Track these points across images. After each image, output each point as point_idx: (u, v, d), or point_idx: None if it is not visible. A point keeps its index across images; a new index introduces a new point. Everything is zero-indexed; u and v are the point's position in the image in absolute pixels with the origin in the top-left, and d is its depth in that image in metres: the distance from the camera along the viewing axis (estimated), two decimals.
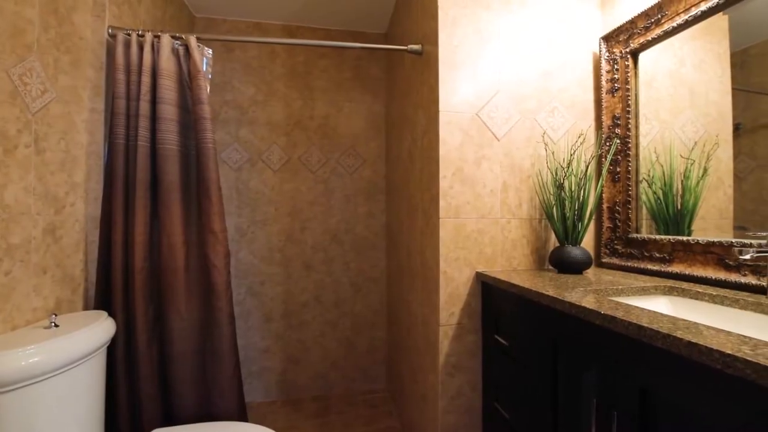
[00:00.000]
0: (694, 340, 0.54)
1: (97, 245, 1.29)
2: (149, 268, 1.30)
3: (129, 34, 1.31)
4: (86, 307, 1.27)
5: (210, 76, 1.47)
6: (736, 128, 1.01)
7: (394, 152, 2.02)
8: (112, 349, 1.22)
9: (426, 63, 1.41)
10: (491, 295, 1.21)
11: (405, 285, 1.77)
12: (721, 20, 1.05)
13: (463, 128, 1.27)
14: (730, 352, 0.49)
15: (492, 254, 1.29)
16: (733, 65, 1.02)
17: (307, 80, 2.18)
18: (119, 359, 1.24)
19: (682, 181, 1.14)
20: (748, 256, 0.77)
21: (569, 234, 1.21)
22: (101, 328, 1.08)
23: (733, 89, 1.03)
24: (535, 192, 1.33)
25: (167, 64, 1.34)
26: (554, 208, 1.23)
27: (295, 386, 2.17)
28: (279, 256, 2.14)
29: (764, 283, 0.86)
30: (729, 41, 1.03)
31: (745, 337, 0.55)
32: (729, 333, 0.57)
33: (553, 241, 1.34)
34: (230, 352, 1.37)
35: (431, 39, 1.34)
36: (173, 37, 1.37)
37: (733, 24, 1.02)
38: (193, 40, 1.37)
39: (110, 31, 1.31)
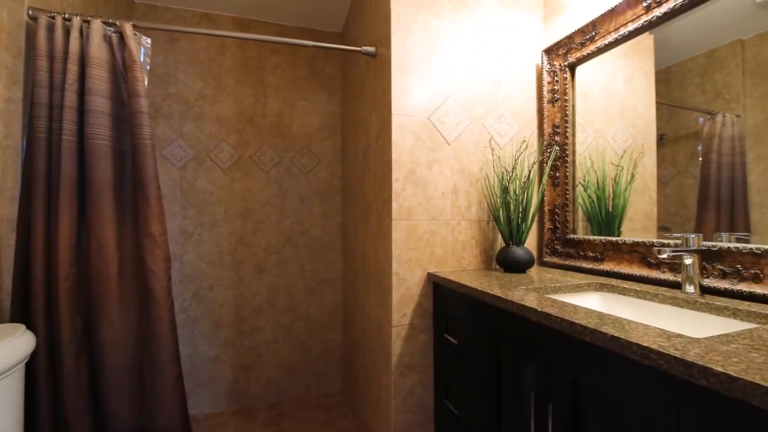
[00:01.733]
0: (616, 335, 0.58)
1: (13, 250, 1.15)
2: (76, 275, 1.18)
3: (53, 17, 1.18)
4: None
5: (149, 67, 1.37)
6: (660, 138, 1.12)
7: (349, 153, 2.01)
8: (31, 366, 1.09)
9: (380, 65, 1.42)
10: (442, 296, 1.24)
11: (360, 286, 1.77)
12: (647, 40, 1.15)
13: (415, 132, 1.29)
14: (646, 344, 0.54)
15: (443, 255, 1.32)
16: (658, 81, 1.13)
17: (260, 76, 2.10)
18: (41, 378, 1.12)
19: (613, 186, 1.24)
20: (665, 255, 0.85)
21: (514, 235, 1.27)
22: (17, 343, 0.97)
23: (657, 103, 1.13)
24: (483, 195, 1.38)
25: (98, 52, 1.23)
26: (500, 210, 1.29)
27: (246, 395, 2.08)
28: (229, 260, 2.05)
29: (679, 279, 0.95)
30: (654, 59, 1.14)
31: (660, 329, 0.61)
32: (647, 326, 0.63)
33: (500, 242, 1.40)
34: (171, 362, 1.28)
35: (384, 42, 1.35)
36: (106, 23, 1.26)
37: (657, 44, 1.12)
38: (128, 28, 1.27)
39: (30, 12, 1.17)
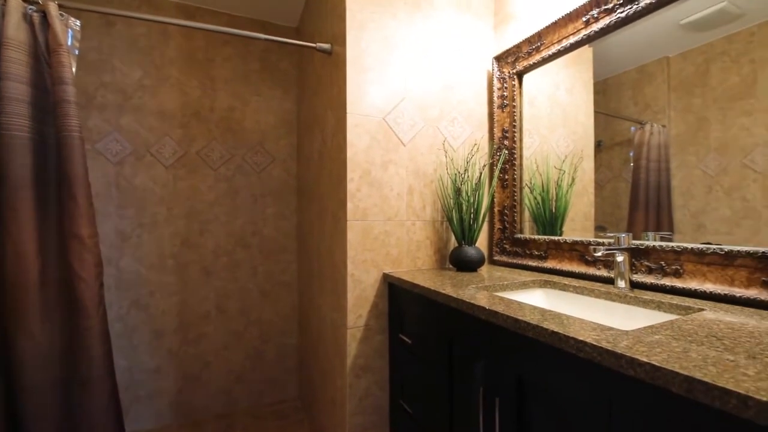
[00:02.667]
0: (556, 330, 0.62)
1: None
2: None
3: None
4: None
5: (77, 52, 1.24)
6: (598, 145, 1.21)
7: (305, 152, 1.96)
8: None
9: (335, 63, 1.40)
10: (397, 296, 1.25)
11: (316, 288, 1.73)
12: (587, 53, 1.24)
13: (371, 132, 1.29)
14: (581, 338, 0.57)
15: (398, 255, 1.33)
16: (596, 92, 1.21)
17: (208, 68, 1.99)
18: None
19: (556, 188, 1.32)
20: (599, 254, 0.92)
21: (466, 235, 1.31)
22: None
23: (596, 112, 1.22)
24: (438, 196, 1.41)
25: (16, 32, 1.09)
26: (453, 211, 1.32)
27: (193, 407, 1.96)
28: (172, 263, 1.91)
29: (613, 275, 1.03)
30: (593, 71, 1.23)
31: (595, 324, 0.65)
32: (583, 321, 0.67)
33: (453, 242, 1.43)
34: (104, 378, 1.17)
35: (340, 40, 1.33)
36: (26, 0, 1.13)
37: (596, 57, 1.21)
38: (53, 7, 1.14)
39: None
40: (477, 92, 1.51)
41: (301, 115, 2.09)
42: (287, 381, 2.17)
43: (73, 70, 1.17)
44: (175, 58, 1.93)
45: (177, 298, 1.92)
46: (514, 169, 1.41)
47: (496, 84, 1.47)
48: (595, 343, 0.55)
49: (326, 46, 1.45)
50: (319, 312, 1.66)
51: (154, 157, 1.88)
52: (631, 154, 1.10)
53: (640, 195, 1.08)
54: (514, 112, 1.42)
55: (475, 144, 1.46)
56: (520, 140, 1.42)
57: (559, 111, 1.35)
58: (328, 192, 1.48)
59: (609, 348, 0.53)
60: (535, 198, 1.39)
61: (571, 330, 0.61)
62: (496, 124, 1.47)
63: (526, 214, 1.41)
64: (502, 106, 1.46)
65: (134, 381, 1.84)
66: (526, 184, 1.41)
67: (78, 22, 1.23)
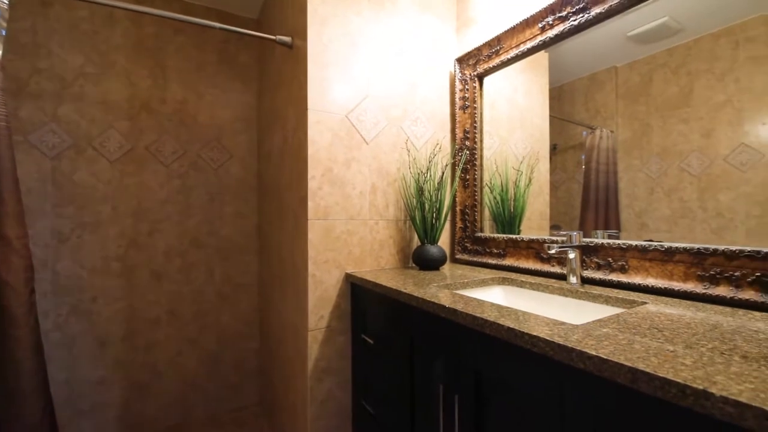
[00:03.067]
0: (512, 326, 0.63)
1: None
2: None
3: None
4: None
5: (4, 32, 1.11)
6: (554, 148, 1.25)
7: (266, 148, 1.89)
8: None
9: (296, 58, 1.36)
10: (359, 296, 1.23)
11: (276, 290, 1.67)
12: (543, 59, 1.28)
13: (333, 129, 1.26)
14: (535, 333, 0.59)
15: (361, 255, 1.31)
16: (552, 97, 1.26)
17: (159, 57, 1.86)
18: None
19: (514, 188, 1.36)
20: (553, 251, 0.95)
21: (428, 234, 1.31)
22: None
23: (551, 116, 1.27)
24: (401, 195, 1.41)
25: None
26: (416, 210, 1.32)
27: (142, 419, 1.83)
28: (118, 266, 1.77)
29: (565, 272, 1.08)
30: (549, 77, 1.27)
31: (549, 319, 0.67)
32: (538, 317, 0.69)
33: (416, 241, 1.44)
34: (36, 392, 1.06)
35: (301, 34, 1.29)
36: None
37: (552, 64, 1.26)
38: None
39: None
40: (440, 93, 1.52)
41: (261, 110, 2.01)
42: (247, 387, 2.09)
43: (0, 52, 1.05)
44: (122, 45, 1.79)
45: (123, 303, 1.79)
46: (475, 170, 1.44)
47: (458, 85, 1.50)
48: (548, 338, 0.56)
49: (287, 39, 1.40)
50: (279, 314, 1.60)
51: (96, 151, 1.73)
52: (583, 157, 1.16)
53: (591, 196, 1.14)
54: (475, 113, 1.44)
55: (438, 144, 1.48)
56: (481, 141, 1.45)
57: (517, 113, 1.39)
58: (289, 190, 1.43)
59: (561, 342, 0.55)
60: (495, 198, 1.43)
61: (526, 326, 0.63)
62: (458, 125, 1.50)
63: (487, 213, 1.45)
64: (463, 107, 1.48)
65: (74, 394, 1.69)
66: (487, 184, 1.44)
67: (6, 1, 1.10)
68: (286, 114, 1.49)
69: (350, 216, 1.29)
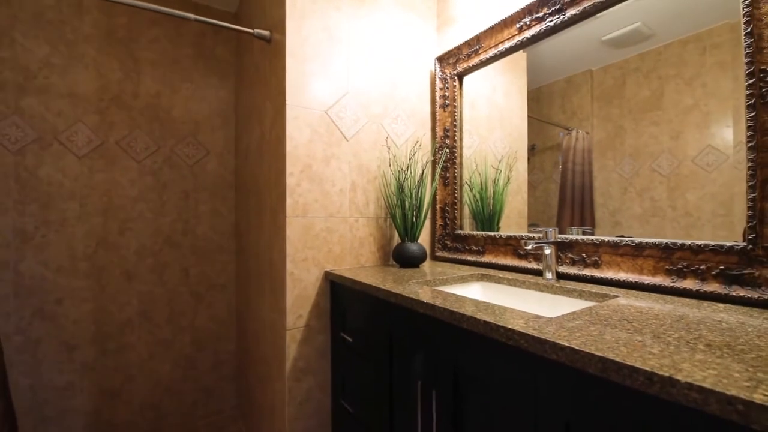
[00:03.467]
0: (488, 320, 0.63)
1: None
2: None
3: None
4: None
5: None
6: (532, 149, 1.27)
7: (243, 145, 1.85)
8: None
9: (275, 52, 1.33)
10: (339, 294, 1.22)
11: (254, 290, 1.64)
12: (521, 60, 1.30)
13: (312, 125, 1.24)
14: (510, 326, 0.59)
15: (341, 252, 1.30)
16: (531, 99, 1.28)
17: (131, 49, 1.79)
18: None
19: (493, 187, 1.38)
20: (530, 247, 0.97)
21: (408, 231, 1.31)
22: None
23: (529, 117, 1.29)
24: (381, 192, 1.40)
25: None
26: (396, 207, 1.32)
27: (113, 426, 1.75)
28: (86, 266, 1.70)
29: (542, 267, 1.10)
30: (527, 78, 1.29)
31: (524, 312, 0.68)
32: (514, 311, 0.69)
33: (396, 238, 1.44)
34: None
35: (280, 27, 1.26)
36: None
37: (530, 66, 1.28)
38: None
39: None
40: (420, 91, 1.53)
41: (239, 106, 1.97)
42: (224, 390, 2.03)
43: None
44: (92, 35, 1.71)
45: (92, 305, 1.71)
46: (455, 168, 1.45)
47: (438, 84, 1.50)
48: (522, 331, 0.57)
49: (265, 32, 1.37)
50: (257, 314, 1.57)
51: (63, 146, 1.65)
52: (560, 158, 1.18)
53: (567, 195, 1.16)
54: (455, 112, 1.45)
55: (418, 141, 1.48)
56: (461, 139, 1.46)
57: (496, 113, 1.41)
58: (267, 187, 1.40)
59: (534, 334, 0.55)
60: (475, 196, 1.44)
61: (502, 319, 0.63)
62: (438, 123, 1.50)
63: (466, 211, 1.46)
64: (443, 106, 1.49)
65: (38, 401, 1.61)
66: (466, 182, 1.46)
67: None
68: (263, 109, 1.46)
69: (330, 213, 1.28)
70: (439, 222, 1.50)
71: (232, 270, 2.06)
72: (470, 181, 1.45)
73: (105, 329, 1.74)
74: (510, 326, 0.59)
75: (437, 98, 1.51)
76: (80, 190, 1.69)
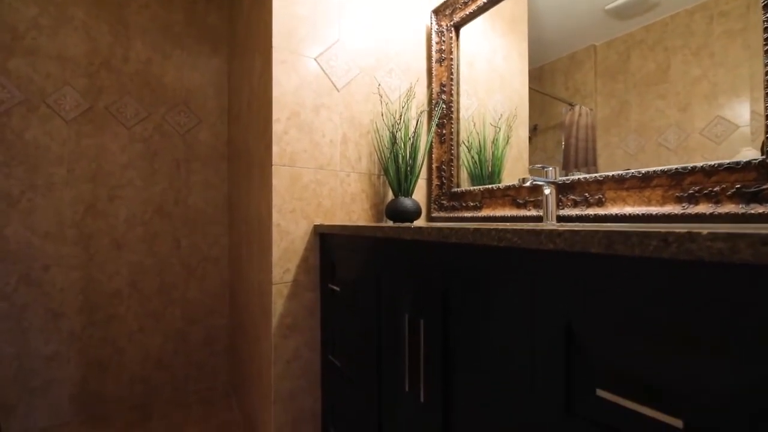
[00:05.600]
0: (477, 226, 0.57)
1: None
2: None
3: None
4: None
5: None
6: (534, 129, 1.21)
7: (235, 110, 1.80)
8: None
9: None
10: (328, 247, 1.16)
11: (244, 256, 1.58)
12: (522, 23, 1.24)
13: (300, 71, 1.19)
14: (502, 227, 0.53)
15: (331, 207, 1.24)
16: (533, 78, 1.22)
17: (121, 13, 1.75)
18: None
19: (492, 148, 1.31)
20: (528, 183, 0.90)
21: (402, 186, 1.25)
22: None
23: (530, 89, 1.23)
24: (374, 147, 1.34)
25: None
26: (390, 161, 1.26)
27: (101, 398, 1.71)
28: (74, 233, 1.65)
29: (542, 214, 1.03)
30: (527, 45, 1.23)
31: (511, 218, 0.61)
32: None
33: (390, 196, 1.37)
34: None
35: None
36: None
37: (532, 43, 1.21)
38: None
39: None
40: (415, 47, 1.47)
41: (232, 77, 1.92)
42: (217, 366, 1.98)
43: None
44: None
45: (80, 273, 1.67)
46: (452, 123, 1.39)
47: (435, 38, 1.44)
48: (515, 228, 0.51)
49: None
50: (247, 281, 1.51)
51: (51, 109, 1.61)
52: (563, 134, 1.12)
53: (570, 163, 1.10)
54: (452, 65, 1.39)
55: (412, 92, 1.41)
56: (458, 94, 1.40)
57: (496, 76, 1.35)
58: (256, 141, 1.35)
59: (529, 228, 0.49)
60: (473, 157, 1.37)
61: (492, 226, 0.57)
62: (434, 79, 1.44)
63: (464, 174, 1.39)
64: (440, 60, 1.43)
65: (24, 370, 1.56)
66: (464, 143, 1.39)
67: None
68: (253, 65, 1.41)
69: (319, 165, 1.22)
70: (435, 182, 1.44)
71: (225, 244, 2.01)
72: (468, 142, 1.38)
73: (93, 298, 1.69)
74: (501, 227, 0.53)
75: (433, 53, 1.44)
76: (68, 154, 1.65)
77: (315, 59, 1.22)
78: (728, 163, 0.71)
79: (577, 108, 1.12)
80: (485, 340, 0.59)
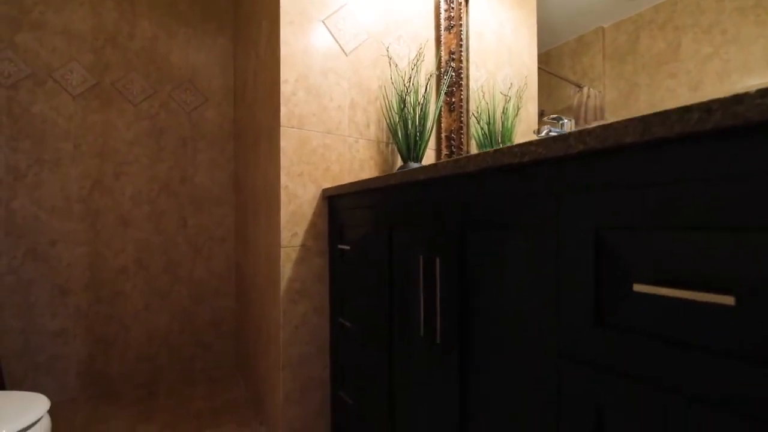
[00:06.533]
0: (496, 148, 0.54)
1: None
2: None
3: None
4: None
5: None
6: (541, 114, 1.17)
7: (240, 90, 1.79)
8: None
9: None
10: (337, 210, 1.14)
11: (251, 232, 1.56)
12: (530, 1, 1.22)
13: (308, 33, 1.17)
14: (524, 140, 0.50)
15: (339, 173, 1.22)
16: (540, 62, 1.19)
17: None
18: None
19: (502, 118, 1.29)
20: (543, 133, 0.88)
21: (411, 151, 1.23)
22: None
23: (539, 69, 1.20)
24: (382, 114, 1.32)
25: None
26: (398, 126, 1.24)
27: (106, 376, 1.70)
28: (80, 208, 1.65)
29: None
30: (536, 16, 1.21)
31: None
32: None
33: (398, 163, 1.35)
34: None
35: None
36: None
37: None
38: None
39: None
40: (424, 14, 1.45)
41: (238, 56, 1.90)
42: (224, 347, 1.96)
43: None
44: None
45: (86, 249, 1.66)
46: (461, 91, 1.37)
47: (443, 6, 1.42)
48: (540, 138, 0.48)
49: None
50: (254, 252, 1.49)
51: (58, 84, 1.61)
52: (572, 118, 1.09)
53: None
54: (461, 32, 1.37)
55: (421, 49, 1.38)
56: (467, 60, 1.37)
57: (505, 49, 1.33)
58: (263, 109, 1.33)
59: (555, 134, 0.46)
60: (482, 128, 1.35)
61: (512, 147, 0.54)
62: (443, 47, 1.42)
63: (474, 145, 1.37)
64: (449, 28, 1.41)
65: (30, 345, 1.55)
66: (473, 114, 1.37)
67: None
68: (260, 34, 1.39)
69: (328, 129, 1.20)
70: (444, 151, 1.41)
71: (231, 224, 2.00)
72: (477, 113, 1.36)
73: (100, 275, 1.69)
74: (523, 141, 0.50)
75: (442, 21, 1.42)
76: (75, 130, 1.64)
77: (323, 21, 1.20)
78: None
79: (585, 90, 1.09)
80: (506, 272, 0.57)
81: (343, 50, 1.24)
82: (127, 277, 1.74)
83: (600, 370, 0.43)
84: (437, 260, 0.66)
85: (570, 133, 0.44)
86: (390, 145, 1.34)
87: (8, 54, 1.53)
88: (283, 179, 1.12)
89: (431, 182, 0.71)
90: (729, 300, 0.32)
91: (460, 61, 1.37)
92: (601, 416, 0.44)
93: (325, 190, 1.17)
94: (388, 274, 0.85)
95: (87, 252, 1.66)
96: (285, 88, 1.12)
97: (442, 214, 0.68)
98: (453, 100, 1.39)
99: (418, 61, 1.36)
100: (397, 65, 1.36)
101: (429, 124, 1.27)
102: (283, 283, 1.12)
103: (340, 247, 1.07)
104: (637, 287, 0.38)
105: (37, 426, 0.70)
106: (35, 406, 0.72)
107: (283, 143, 1.11)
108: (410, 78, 1.25)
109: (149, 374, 1.78)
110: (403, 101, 1.23)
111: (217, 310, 1.95)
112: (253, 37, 1.52)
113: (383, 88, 1.33)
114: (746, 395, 0.32)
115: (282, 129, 1.11)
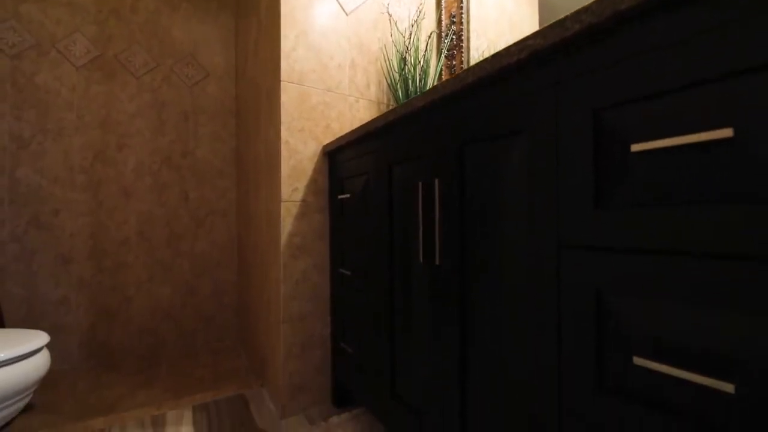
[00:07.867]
0: (492, 53, 0.54)
1: None
2: None
3: None
4: None
5: None
6: None
7: (241, 62, 1.79)
8: None
9: None
10: (337, 164, 1.14)
11: (252, 200, 1.57)
12: None
13: None
14: (521, 38, 0.50)
15: (339, 130, 1.23)
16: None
17: None
18: None
19: None
20: None
21: None
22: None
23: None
24: (383, 75, 1.33)
25: None
26: (398, 84, 1.24)
27: (108, 347, 1.70)
28: (83, 179, 1.66)
29: None
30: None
31: None
32: None
33: None
34: None
35: None
36: None
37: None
38: None
39: None
40: None
41: (239, 35, 1.91)
42: (224, 320, 1.97)
43: None
44: None
45: (89, 219, 1.67)
46: (462, 54, 1.37)
47: None
48: (540, 29, 0.48)
49: None
50: (255, 215, 1.49)
51: (61, 54, 1.62)
52: None
53: None
54: None
55: (421, 5, 1.37)
56: (468, 23, 1.37)
57: (506, 19, 1.32)
58: (263, 72, 1.34)
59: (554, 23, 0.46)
60: None
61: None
62: (444, 12, 1.42)
63: None
64: None
65: (33, 314, 1.56)
66: None
67: None
68: (259, 3, 1.40)
69: (328, 87, 1.20)
70: None
71: (233, 198, 2.00)
72: None
73: (102, 245, 1.69)
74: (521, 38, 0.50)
75: None
76: (78, 100, 1.65)
77: None
78: None
79: None
80: (505, 183, 0.56)
81: (343, 9, 1.24)
82: (130, 248, 1.75)
83: (599, 253, 0.43)
84: (436, 182, 0.66)
85: (565, 17, 0.44)
86: (390, 106, 1.34)
87: (12, 24, 1.54)
88: (284, 134, 1.12)
89: (431, 108, 0.71)
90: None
91: (461, 24, 1.37)
92: (600, 296, 0.43)
93: (325, 146, 1.17)
94: (388, 211, 0.85)
95: (90, 222, 1.67)
96: (285, 44, 1.13)
97: (442, 139, 0.68)
98: (454, 63, 1.39)
99: (418, 17, 1.36)
100: (396, 23, 1.36)
101: (430, 83, 1.27)
102: (284, 238, 1.12)
103: (340, 197, 1.07)
104: (635, 146, 0.38)
105: (38, 355, 0.70)
106: (36, 338, 0.73)
107: (283, 98, 1.12)
108: (411, 35, 1.25)
109: (150, 347, 1.79)
110: (403, 60, 1.23)
111: (219, 282, 1.96)
112: (254, 4, 1.53)
113: (384, 49, 1.33)
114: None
115: (282, 84, 1.12)
